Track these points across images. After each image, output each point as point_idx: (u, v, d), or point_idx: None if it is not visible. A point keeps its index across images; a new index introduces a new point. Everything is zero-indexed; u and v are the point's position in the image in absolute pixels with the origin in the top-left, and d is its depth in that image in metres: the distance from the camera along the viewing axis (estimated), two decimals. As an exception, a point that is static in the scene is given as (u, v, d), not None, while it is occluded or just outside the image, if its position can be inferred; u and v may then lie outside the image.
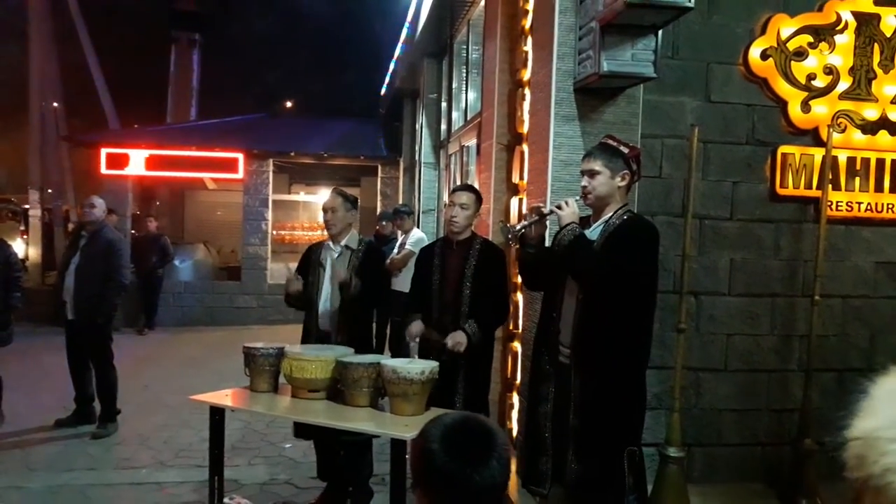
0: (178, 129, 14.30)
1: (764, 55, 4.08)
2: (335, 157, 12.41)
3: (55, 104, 14.47)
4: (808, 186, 4.17)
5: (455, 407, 3.53)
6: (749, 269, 4.18)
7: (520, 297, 4.45)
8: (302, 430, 3.97)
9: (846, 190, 4.23)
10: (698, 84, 4.09)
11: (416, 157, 10.16)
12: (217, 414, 3.58)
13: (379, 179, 12.55)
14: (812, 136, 4.19)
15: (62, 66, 14.65)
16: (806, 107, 4.13)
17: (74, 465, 4.76)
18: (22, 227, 15.87)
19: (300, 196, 14.94)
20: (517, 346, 4.50)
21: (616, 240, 2.82)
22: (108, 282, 5.41)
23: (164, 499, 4.24)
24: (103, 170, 11.25)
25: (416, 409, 3.18)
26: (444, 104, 8.50)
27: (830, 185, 4.07)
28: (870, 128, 4.22)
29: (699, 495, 3.79)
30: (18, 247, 13.95)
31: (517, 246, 3.18)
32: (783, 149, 4.16)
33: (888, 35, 4.20)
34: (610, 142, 2.99)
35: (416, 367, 3.18)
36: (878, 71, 4.20)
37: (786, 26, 4.10)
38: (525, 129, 4.50)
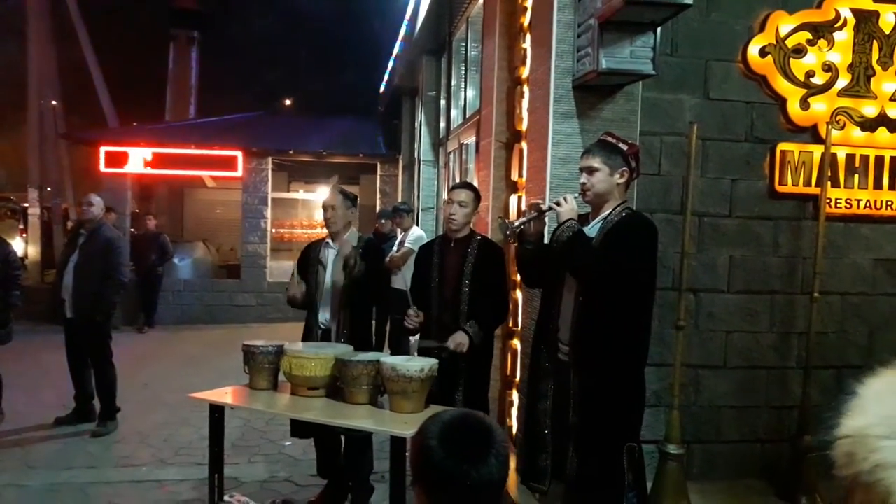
0: (177, 127, 14.29)
1: (763, 52, 4.08)
2: (334, 154, 12.41)
3: (54, 102, 14.47)
4: (807, 184, 4.18)
5: (455, 404, 3.54)
6: (748, 267, 4.19)
7: (519, 294, 4.45)
8: (299, 430, 3.98)
9: (845, 187, 4.23)
10: (697, 81, 4.08)
11: (416, 155, 10.16)
12: (216, 412, 3.59)
13: (378, 177, 12.55)
14: (811, 134, 4.19)
15: (61, 64, 14.65)
16: (805, 104, 4.13)
17: (74, 464, 4.76)
18: (21, 226, 15.85)
19: (299, 194, 14.95)
20: (516, 343, 4.51)
21: (615, 237, 2.82)
22: (106, 280, 5.41)
23: (164, 497, 4.24)
24: (102, 168, 11.25)
25: (416, 407, 3.19)
26: (443, 102, 8.50)
27: (829, 183, 4.07)
28: (869, 125, 4.22)
29: (698, 492, 3.79)
30: (18, 245, 13.95)
31: (516, 243, 3.18)
32: (782, 146, 4.16)
33: (887, 32, 4.20)
34: (609, 139, 2.99)
35: (416, 364, 3.18)
36: (877, 68, 4.20)
37: (784, 23, 4.10)
38: (524, 126, 4.50)
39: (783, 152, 4.16)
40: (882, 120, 4.23)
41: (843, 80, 4.16)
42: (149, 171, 11.54)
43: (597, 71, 3.34)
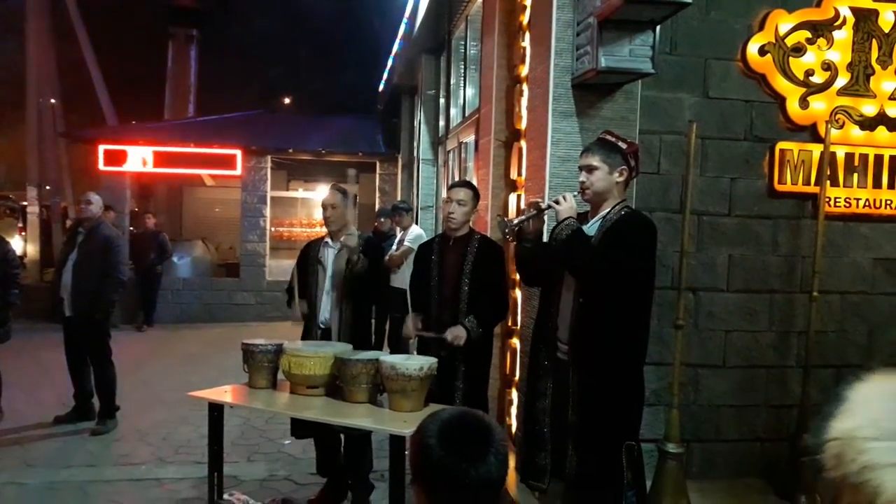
0: (177, 125, 14.27)
1: (762, 51, 4.08)
2: (333, 153, 12.40)
3: (53, 101, 14.46)
4: (807, 182, 4.17)
5: (454, 403, 3.54)
6: (747, 266, 4.18)
7: (518, 293, 4.45)
8: (299, 430, 3.98)
9: (844, 186, 4.23)
10: (696, 80, 4.08)
11: (415, 154, 10.15)
12: (216, 410, 3.59)
13: (377, 176, 12.54)
14: (810, 133, 4.19)
15: (60, 63, 14.64)
16: (804, 103, 4.13)
17: (73, 462, 4.76)
18: (20, 224, 15.85)
19: (298, 193, 14.94)
20: (516, 342, 4.51)
21: (613, 235, 2.82)
22: (105, 278, 5.41)
23: (164, 495, 4.24)
24: (101, 166, 11.24)
25: (415, 406, 3.19)
26: (442, 100, 8.49)
27: (829, 182, 4.07)
28: (868, 124, 4.22)
29: (698, 491, 3.79)
30: (17, 244, 13.94)
31: (514, 241, 3.18)
32: (781, 145, 4.16)
33: (886, 31, 4.19)
34: (608, 137, 2.99)
35: (415, 363, 3.19)
36: (877, 67, 4.19)
37: (784, 22, 4.09)
38: (523, 125, 4.49)
39: (782, 151, 4.16)
40: (881, 119, 4.22)
41: (842, 79, 4.16)
42: (148, 169, 11.53)
43: (596, 69, 3.34)
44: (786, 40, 4.09)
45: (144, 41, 21.92)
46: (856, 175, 4.24)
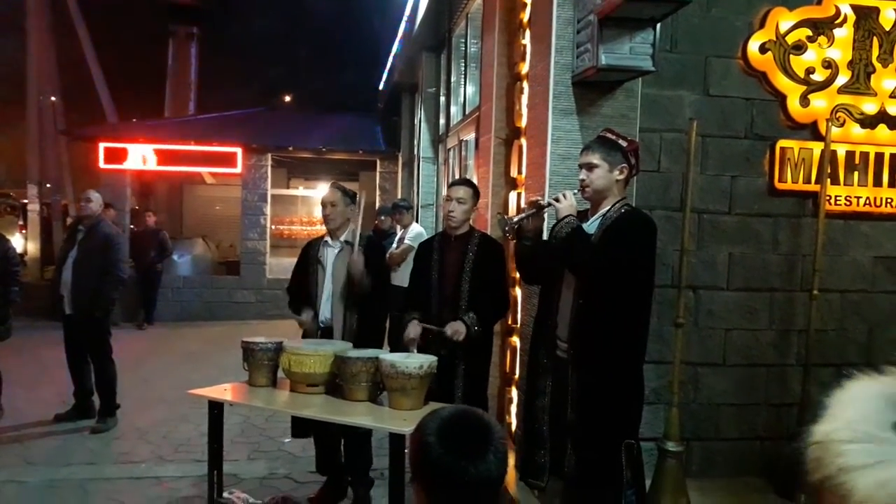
0: (177, 123, 14.27)
1: (763, 49, 4.07)
2: (333, 151, 12.40)
3: (53, 98, 14.45)
4: (807, 181, 4.17)
5: (454, 401, 3.53)
6: (747, 264, 4.18)
7: (518, 291, 4.45)
8: (299, 430, 3.98)
9: (845, 184, 4.23)
10: (697, 78, 4.08)
11: (415, 152, 10.14)
12: (216, 408, 3.59)
13: (378, 174, 12.54)
14: (811, 131, 4.18)
15: (60, 60, 14.63)
16: (805, 101, 4.12)
17: (73, 460, 4.76)
18: (20, 222, 15.85)
19: (299, 191, 14.94)
20: (516, 340, 4.50)
21: (613, 233, 2.82)
22: (105, 276, 5.41)
23: (164, 493, 4.24)
24: (101, 164, 11.24)
25: (415, 404, 3.19)
26: (442, 98, 8.48)
27: (829, 180, 4.06)
28: (869, 122, 4.21)
29: (698, 490, 3.79)
30: (17, 241, 13.94)
31: (514, 239, 3.18)
32: (782, 143, 4.15)
33: (887, 28, 4.19)
34: (608, 135, 2.99)
35: (415, 361, 3.18)
36: (877, 65, 4.19)
37: (784, 20, 4.09)
38: (523, 122, 4.49)
39: (783, 149, 4.15)
40: (882, 117, 4.22)
41: (843, 77, 4.16)
42: (148, 167, 11.53)
43: (596, 67, 3.33)
44: (786, 38, 4.09)
45: (145, 39, 21.92)
46: (856, 173, 4.24)
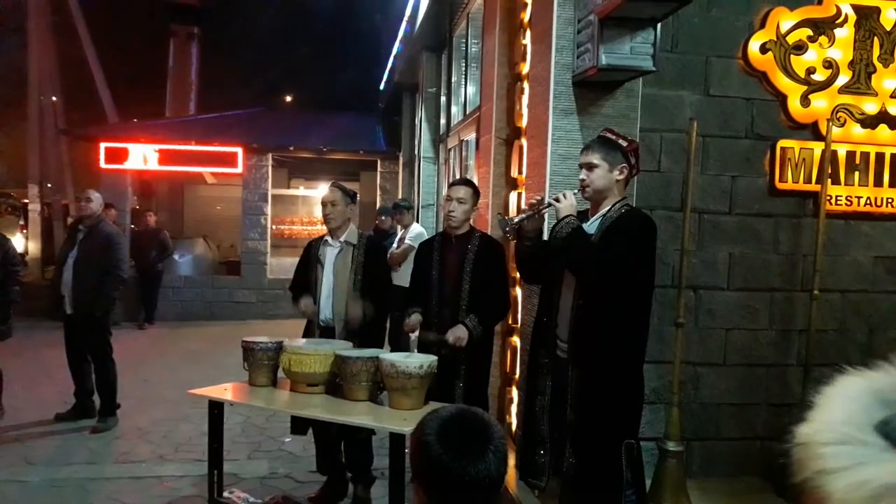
0: (177, 123, 14.27)
1: (763, 49, 4.07)
2: (334, 151, 12.40)
3: (54, 98, 14.45)
4: (808, 181, 4.17)
5: (454, 401, 3.54)
6: (748, 264, 4.18)
7: (518, 291, 4.45)
8: (298, 426, 3.98)
9: (845, 184, 4.22)
10: (697, 78, 4.07)
11: (416, 152, 10.15)
12: (216, 408, 3.60)
13: (378, 174, 12.54)
14: (811, 131, 4.18)
15: (61, 60, 14.63)
16: (805, 101, 4.12)
17: (74, 459, 4.77)
18: (21, 222, 15.86)
19: (299, 191, 14.94)
20: (516, 340, 4.50)
21: (614, 233, 2.82)
22: (105, 276, 5.41)
23: (164, 493, 4.25)
24: (102, 164, 11.24)
25: (415, 403, 3.19)
26: (443, 98, 8.48)
27: (830, 180, 4.06)
28: (869, 122, 4.21)
29: (698, 489, 3.79)
30: (18, 241, 13.95)
31: (514, 239, 3.18)
32: (782, 143, 4.15)
33: (888, 28, 4.18)
34: (608, 135, 2.99)
35: (415, 361, 3.18)
36: (878, 65, 4.18)
37: (785, 19, 4.09)
38: (524, 122, 4.49)
39: (783, 149, 4.15)
40: (883, 117, 4.21)
41: (843, 77, 4.15)
42: (149, 167, 11.53)
43: (597, 67, 3.33)
44: (787, 38, 4.09)
45: (145, 39, 21.90)
46: (857, 173, 4.24)
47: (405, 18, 8.93)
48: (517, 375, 4.36)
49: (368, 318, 3.87)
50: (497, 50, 5.07)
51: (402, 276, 5.95)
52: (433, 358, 3.27)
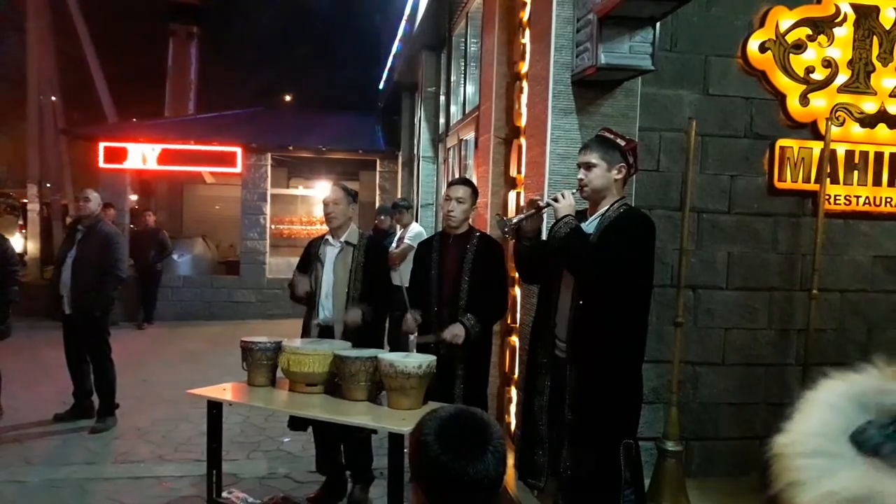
0: (177, 122, 14.27)
1: (762, 48, 4.06)
2: (334, 151, 12.40)
3: (53, 98, 14.43)
4: (807, 180, 4.16)
5: (453, 401, 3.53)
6: (747, 263, 4.18)
7: (517, 291, 4.45)
8: (297, 422, 3.98)
9: (844, 184, 4.22)
10: (696, 77, 4.07)
11: (415, 151, 10.14)
12: (214, 408, 3.59)
13: (377, 173, 12.54)
14: (810, 130, 4.18)
15: (60, 60, 14.60)
16: (804, 100, 4.12)
17: (73, 460, 4.77)
18: (20, 222, 15.84)
19: (299, 190, 14.93)
20: (515, 340, 4.50)
21: (612, 233, 2.82)
22: (104, 275, 5.41)
23: (163, 493, 4.24)
24: (101, 164, 11.24)
25: (414, 403, 3.19)
26: (442, 98, 8.48)
27: (829, 179, 4.06)
28: (868, 121, 4.21)
29: (697, 489, 3.79)
30: (17, 241, 13.94)
31: (513, 239, 3.18)
32: (781, 142, 4.15)
33: (887, 28, 4.18)
34: (607, 134, 2.98)
35: (414, 361, 3.18)
36: (877, 64, 4.18)
37: (784, 19, 4.08)
38: (523, 122, 4.49)
39: (782, 148, 4.15)
40: (882, 116, 4.21)
41: (842, 76, 4.15)
42: (148, 166, 11.53)
43: (595, 66, 3.32)
44: (786, 37, 4.08)
45: (145, 38, 21.89)
46: (856, 172, 4.23)
47: (404, 18, 8.93)
48: (516, 375, 4.35)
49: (368, 321, 3.86)
50: (496, 49, 5.07)
51: (402, 276, 5.95)
52: (432, 358, 3.27)
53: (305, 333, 4.06)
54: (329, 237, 4.08)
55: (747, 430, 4.22)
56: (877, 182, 4.25)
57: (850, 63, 4.16)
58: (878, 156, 4.25)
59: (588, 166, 2.91)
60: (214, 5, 21.78)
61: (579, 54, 3.54)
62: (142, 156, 11.33)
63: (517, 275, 3.87)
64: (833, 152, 4.13)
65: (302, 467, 4.60)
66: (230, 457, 4.60)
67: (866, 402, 0.80)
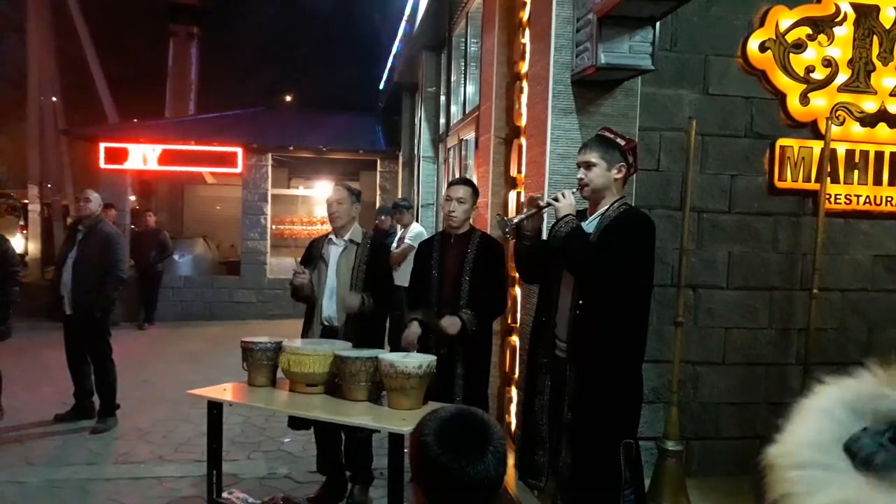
0: (177, 123, 14.27)
1: (762, 47, 4.06)
2: (334, 151, 12.39)
3: (54, 98, 14.43)
4: (807, 179, 4.16)
5: (454, 401, 3.53)
6: (747, 263, 4.18)
7: (518, 290, 4.45)
8: (297, 421, 3.98)
9: (845, 183, 4.22)
10: (696, 76, 4.07)
11: (415, 151, 10.14)
12: (215, 408, 3.59)
13: (378, 174, 12.54)
14: (811, 129, 4.17)
15: (61, 61, 14.61)
16: (804, 99, 4.12)
17: (73, 460, 4.77)
18: (21, 223, 15.84)
19: (299, 190, 14.93)
20: (515, 340, 4.50)
21: (612, 232, 2.82)
22: (104, 276, 5.41)
23: (164, 493, 4.25)
24: (102, 164, 11.24)
25: (414, 403, 3.19)
26: (442, 98, 8.48)
27: (829, 178, 4.06)
28: (869, 120, 4.20)
29: (697, 489, 3.79)
30: (18, 242, 13.95)
31: (513, 239, 3.18)
32: (781, 142, 4.14)
33: (887, 27, 4.18)
34: (606, 134, 2.98)
35: (414, 361, 3.18)
36: (877, 63, 4.18)
37: (784, 18, 4.08)
38: (523, 121, 4.48)
39: (783, 148, 4.15)
40: (882, 115, 4.21)
41: (843, 76, 4.15)
42: (149, 167, 11.53)
43: (595, 66, 3.32)
44: (786, 37, 4.08)
45: (145, 39, 21.90)
46: (856, 172, 4.23)
47: (404, 18, 8.93)
48: (516, 375, 4.35)
49: (368, 307, 3.83)
50: (496, 49, 5.07)
51: (402, 276, 5.95)
52: (432, 358, 3.27)
53: (306, 333, 4.05)
54: (332, 236, 4.07)
55: (748, 429, 4.21)
56: (877, 181, 4.25)
57: (851, 62, 4.15)
58: (879, 155, 4.25)
59: (588, 165, 2.91)
60: (214, 6, 21.78)
61: (579, 54, 3.54)
62: (142, 156, 11.33)
63: (517, 275, 3.87)
64: (833, 151, 4.12)
65: (302, 467, 4.60)
66: (230, 457, 4.61)
67: (861, 408, 0.78)
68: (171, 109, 19.15)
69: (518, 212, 4.35)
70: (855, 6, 4.13)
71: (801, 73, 4.11)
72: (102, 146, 11.21)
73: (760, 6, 4.08)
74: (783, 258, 4.21)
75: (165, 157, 11.48)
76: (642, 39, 3.32)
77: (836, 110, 4.15)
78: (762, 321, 4.21)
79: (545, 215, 3.16)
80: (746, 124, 4.14)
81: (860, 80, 4.17)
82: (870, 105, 4.19)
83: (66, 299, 5.44)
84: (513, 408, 4.54)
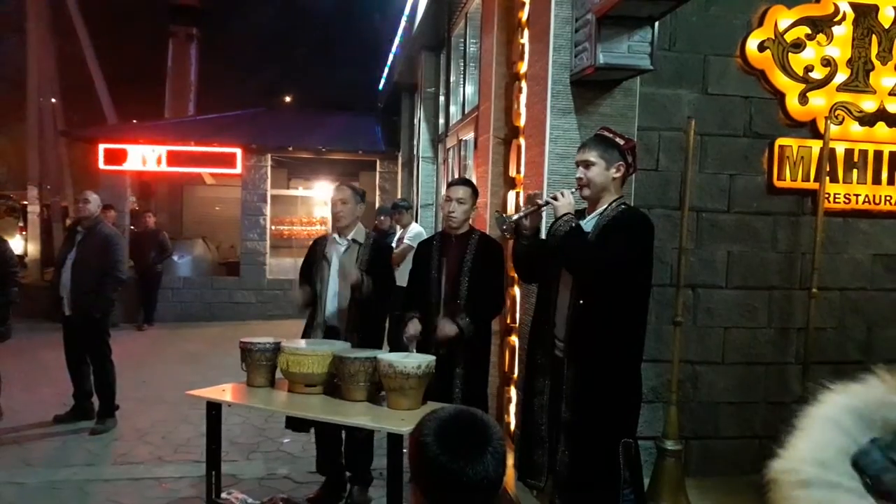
0: (176, 123, 14.27)
1: (761, 47, 4.06)
2: (333, 151, 12.39)
3: (53, 99, 14.43)
4: (806, 179, 4.16)
5: (453, 401, 3.53)
6: (746, 262, 4.17)
7: (517, 290, 4.45)
8: (295, 422, 3.98)
9: (844, 182, 4.22)
10: (695, 76, 4.07)
11: (415, 152, 10.14)
12: (214, 409, 3.59)
13: (377, 174, 12.53)
14: (810, 129, 4.17)
15: (60, 62, 14.61)
16: (803, 99, 4.12)
17: (73, 461, 4.76)
18: (20, 224, 15.84)
19: (299, 191, 14.93)
20: (514, 340, 4.50)
21: (611, 231, 2.82)
22: (104, 277, 5.41)
23: (163, 494, 4.24)
24: (101, 165, 11.24)
25: (413, 404, 3.19)
26: (441, 98, 8.48)
27: (828, 178, 4.06)
28: (868, 120, 4.20)
29: (697, 488, 3.79)
30: (17, 243, 13.95)
31: (512, 237, 3.18)
32: (780, 141, 4.14)
33: (886, 26, 4.18)
34: (605, 133, 2.98)
35: (413, 361, 3.18)
36: (876, 62, 4.18)
37: (783, 18, 4.08)
38: (522, 122, 4.49)
39: (782, 147, 4.15)
40: (881, 115, 4.21)
41: (842, 75, 4.15)
42: (148, 168, 11.53)
43: (594, 66, 3.32)
44: (785, 36, 4.08)
45: (145, 40, 21.91)
46: (855, 171, 4.23)
47: (404, 18, 8.93)
48: (515, 375, 4.35)
49: (367, 288, 3.83)
50: (495, 49, 5.07)
51: (402, 276, 5.95)
52: (431, 358, 3.27)
53: (308, 333, 4.05)
54: (335, 236, 4.07)
55: (747, 429, 4.21)
56: (876, 180, 4.25)
57: (850, 62, 4.15)
58: (878, 154, 4.25)
59: (587, 164, 2.91)
60: (214, 6, 21.79)
61: (578, 54, 3.54)
62: (142, 157, 11.33)
63: (516, 274, 3.87)
64: (832, 151, 4.12)
65: (301, 468, 4.60)
66: (230, 457, 4.60)
67: (870, 416, 0.75)
68: (170, 110, 19.16)
69: (517, 211, 4.35)
70: (854, 6, 4.13)
71: (800, 72, 4.11)
72: (102, 147, 11.21)
73: (759, 6, 4.08)
74: (782, 257, 4.21)
75: (165, 158, 11.48)
76: (641, 39, 3.32)
77: (835, 110, 4.15)
78: (761, 320, 4.21)
79: (543, 214, 3.16)
80: (745, 124, 4.14)
81: (859, 79, 4.17)
82: (869, 104, 4.19)
83: (65, 300, 5.44)
84: (512, 408, 4.54)
